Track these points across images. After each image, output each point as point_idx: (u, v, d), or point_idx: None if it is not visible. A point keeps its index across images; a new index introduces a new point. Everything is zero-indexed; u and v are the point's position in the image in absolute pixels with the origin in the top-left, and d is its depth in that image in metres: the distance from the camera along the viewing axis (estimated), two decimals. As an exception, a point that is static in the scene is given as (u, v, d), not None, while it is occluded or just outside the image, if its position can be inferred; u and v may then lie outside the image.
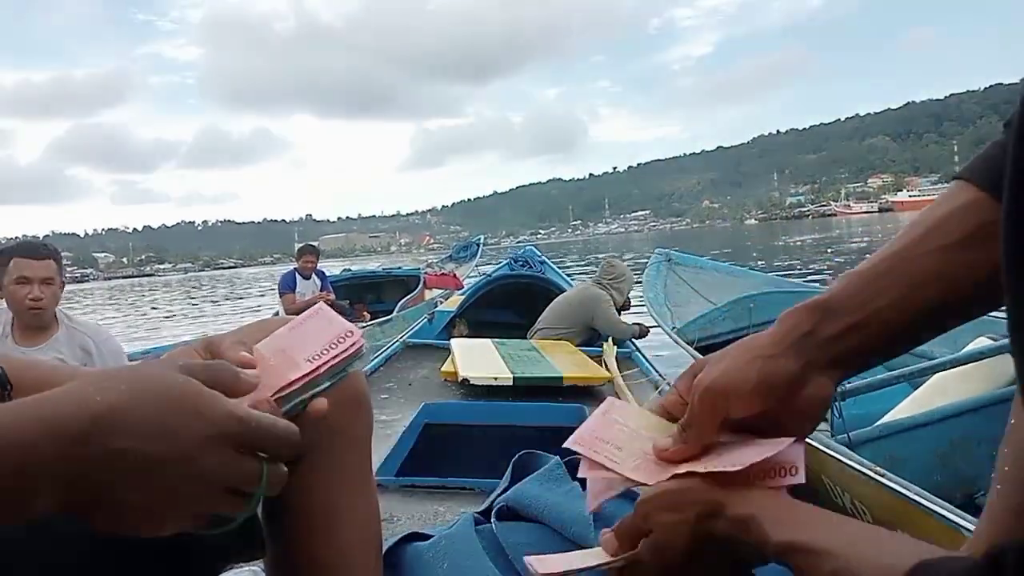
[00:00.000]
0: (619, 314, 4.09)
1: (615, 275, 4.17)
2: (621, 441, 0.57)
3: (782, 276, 5.66)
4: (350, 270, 9.26)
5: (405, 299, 7.23)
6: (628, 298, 4.31)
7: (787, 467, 0.51)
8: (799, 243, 27.27)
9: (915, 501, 1.66)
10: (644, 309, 4.48)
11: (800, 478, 0.51)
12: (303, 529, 0.75)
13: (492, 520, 1.09)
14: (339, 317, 0.60)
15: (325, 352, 0.57)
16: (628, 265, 4.63)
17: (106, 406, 0.42)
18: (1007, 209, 0.38)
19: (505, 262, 6.44)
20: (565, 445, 0.58)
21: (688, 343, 3.76)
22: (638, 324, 4.02)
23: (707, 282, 4.81)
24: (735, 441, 0.53)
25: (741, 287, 4.46)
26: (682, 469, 0.52)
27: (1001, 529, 0.94)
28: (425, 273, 8.76)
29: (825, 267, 14.69)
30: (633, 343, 3.79)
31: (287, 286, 6.22)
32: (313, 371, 0.56)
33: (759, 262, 17.76)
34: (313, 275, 6.35)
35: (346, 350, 0.57)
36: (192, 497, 0.45)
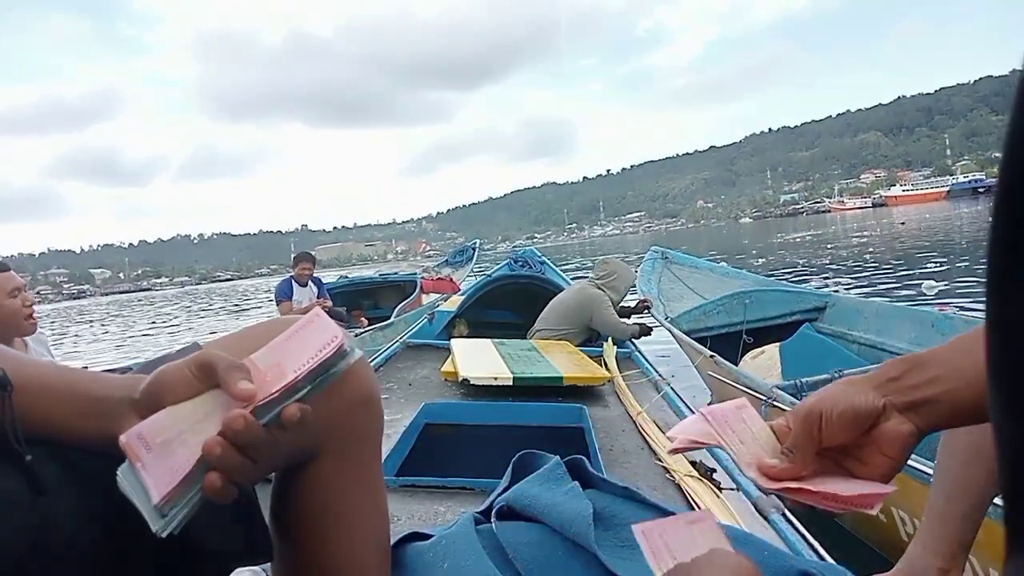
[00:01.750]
0: (618, 312, 4.08)
1: (607, 273, 4.16)
2: (745, 438, 0.64)
3: (776, 276, 5.68)
4: (347, 277, 9.27)
5: (402, 304, 7.23)
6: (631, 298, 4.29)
7: (872, 503, 0.57)
8: (798, 240, 27.26)
9: (915, 470, 1.62)
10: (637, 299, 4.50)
11: (874, 512, 0.58)
12: (311, 530, 0.74)
13: (492, 520, 1.08)
14: (332, 323, 0.60)
15: (311, 360, 0.57)
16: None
17: None
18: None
19: (505, 262, 6.44)
20: (701, 410, 0.66)
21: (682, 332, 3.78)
22: (639, 323, 4.01)
23: (701, 281, 4.84)
24: (833, 477, 0.60)
25: (735, 287, 4.48)
26: (792, 484, 0.59)
27: (934, 508, 1.03)
28: (422, 278, 8.77)
29: (827, 261, 14.65)
30: (633, 343, 3.77)
31: (284, 294, 6.18)
32: (292, 380, 0.56)
33: (759, 260, 17.76)
34: (310, 282, 6.32)
35: (327, 354, 0.57)
36: None
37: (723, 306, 4.07)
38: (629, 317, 4.18)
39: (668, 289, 4.75)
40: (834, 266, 13.34)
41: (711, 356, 3.10)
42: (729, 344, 3.90)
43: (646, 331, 3.93)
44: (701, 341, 3.86)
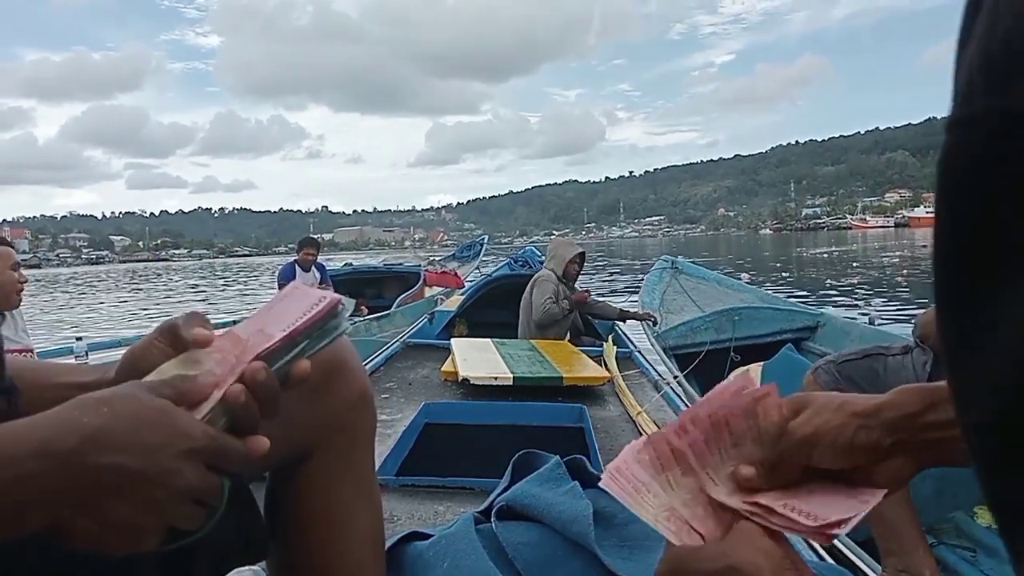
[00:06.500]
0: (572, 283, 4.11)
1: (552, 248, 4.19)
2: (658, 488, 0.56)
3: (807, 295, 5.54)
4: (351, 264, 9.27)
5: (404, 295, 7.23)
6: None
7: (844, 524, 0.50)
8: (824, 255, 26.72)
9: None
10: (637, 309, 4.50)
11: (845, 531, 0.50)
12: (307, 528, 0.76)
13: (492, 519, 1.09)
14: (315, 291, 0.59)
15: (300, 319, 0.56)
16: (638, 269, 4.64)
17: (93, 427, 0.46)
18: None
19: (505, 262, 6.44)
20: (602, 485, 0.57)
21: (667, 348, 3.73)
22: (621, 310, 4.07)
23: (707, 293, 4.75)
24: (811, 485, 0.53)
25: (736, 302, 4.38)
26: (761, 499, 0.52)
27: (875, 520, 1.04)
28: (426, 270, 8.78)
29: (857, 281, 14.30)
30: (631, 343, 3.78)
31: (286, 277, 6.18)
32: (289, 333, 0.55)
33: (783, 273, 17.50)
34: (313, 268, 6.34)
35: (321, 310, 0.57)
36: (169, 510, 0.48)
37: (712, 323, 3.97)
38: (625, 321, 4.22)
39: (671, 300, 4.69)
40: (864, 286, 13.05)
41: (676, 376, 3.07)
42: (717, 362, 3.83)
43: (623, 318, 3.96)
44: (690, 357, 3.77)
